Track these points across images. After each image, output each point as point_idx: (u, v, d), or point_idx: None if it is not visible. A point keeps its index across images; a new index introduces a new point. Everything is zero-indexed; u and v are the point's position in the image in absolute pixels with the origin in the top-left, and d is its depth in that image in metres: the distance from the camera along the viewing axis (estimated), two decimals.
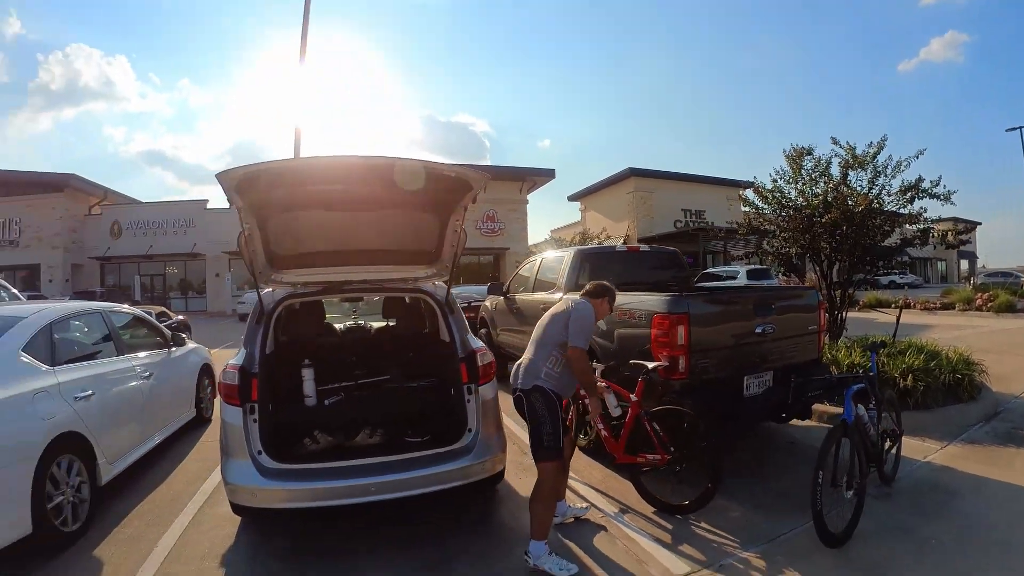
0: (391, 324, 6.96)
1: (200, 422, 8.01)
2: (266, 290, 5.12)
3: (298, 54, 14.39)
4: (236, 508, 4.39)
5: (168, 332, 7.46)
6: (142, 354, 6.51)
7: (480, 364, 4.81)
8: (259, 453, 4.28)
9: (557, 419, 4.13)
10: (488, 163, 77.50)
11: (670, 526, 4.67)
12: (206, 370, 8.46)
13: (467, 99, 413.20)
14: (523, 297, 9.06)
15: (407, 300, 6.35)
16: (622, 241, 10.06)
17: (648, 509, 4.95)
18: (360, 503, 4.28)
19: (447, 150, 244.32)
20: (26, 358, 4.64)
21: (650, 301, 5.57)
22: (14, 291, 9.90)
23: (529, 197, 44.57)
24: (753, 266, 26.63)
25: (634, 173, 44.86)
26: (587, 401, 5.00)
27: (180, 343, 7.58)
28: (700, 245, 37.49)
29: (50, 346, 4.99)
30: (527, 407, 4.17)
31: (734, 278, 25.64)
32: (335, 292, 5.43)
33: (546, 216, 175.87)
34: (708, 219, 43.24)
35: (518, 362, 4.42)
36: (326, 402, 5.26)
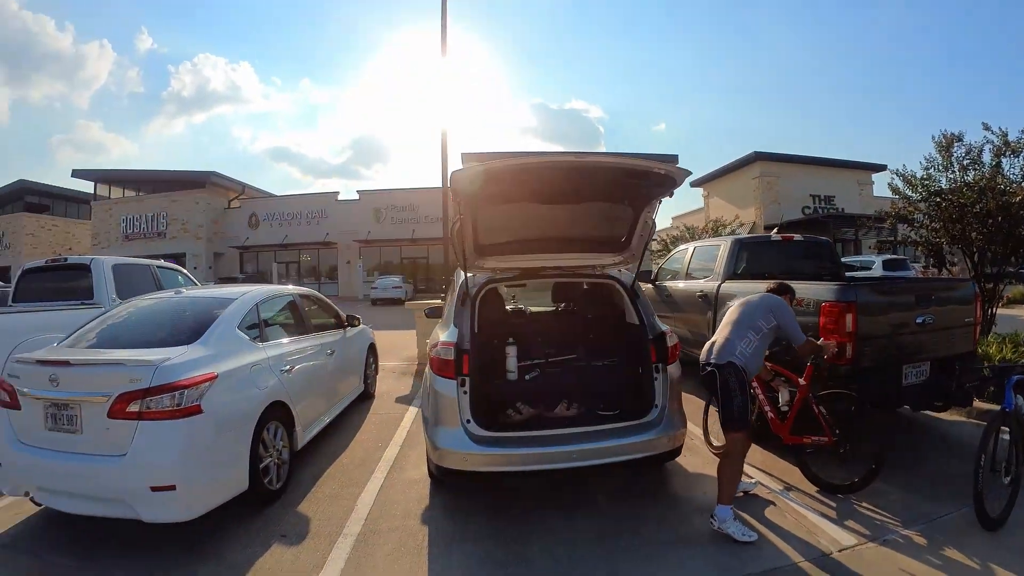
0: (560, 308, 7.25)
1: (366, 397, 8.59)
2: (468, 275, 5.37)
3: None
4: (442, 471, 4.73)
5: (343, 314, 8.02)
6: (325, 333, 7.06)
7: (668, 345, 5.06)
8: (468, 422, 4.61)
9: (747, 393, 4.42)
10: (603, 149, 76.95)
11: (833, 504, 4.81)
12: (371, 349, 9.11)
13: (580, 85, 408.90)
14: (675, 285, 9.17)
15: (584, 285, 6.62)
16: (775, 230, 10.14)
17: (810, 488, 5.09)
18: (557, 468, 4.61)
19: (561, 137, 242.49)
20: (242, 334, 5.18)
21: (819, 290, 5.69)
22: (187, 274, 10.67)
23: None
24: (889, 256, 25.70)
25: (760, 157, 42.74)
26: (754, 385, 5.20)
27: (353, 324, 8.13)
28: (831, 233, 35.91)
29: (258, 324, 5.55)
30: (720, 381, 4.46)
31: (868, 268, 24.69)
32: (529, 277, 5.78)
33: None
34: (837, 205, 41.39)
35: (710, 340, 4.75)
36: (526, 376, 5.60)
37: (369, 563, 4.08)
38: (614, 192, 5.03)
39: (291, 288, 7.00)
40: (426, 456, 5.18)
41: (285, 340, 5.95)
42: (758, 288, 5.58)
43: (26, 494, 4.46)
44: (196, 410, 4.16)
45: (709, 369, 4.57)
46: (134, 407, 4.03)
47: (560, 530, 4.46)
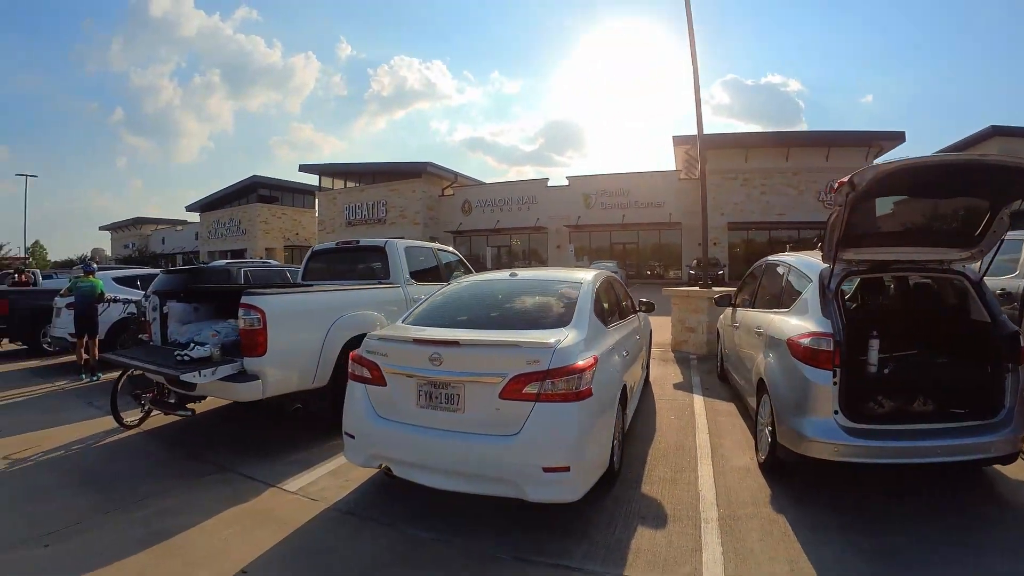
0: (860, 300, 7.03)
1: (644, 381, 8.57)
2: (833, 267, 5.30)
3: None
4: (800, 459, 4.75)
5: (634, 299, 8.05)
6: (631, 317, 7.14)
7: (1022, 345, 4.85)
8: (836, 412, 4.64)
9: None
10: (804, 127, 73.02)
11: None
12: (649, 335, 9.19)
13: (775, 58, 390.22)
14: None
15: (909, 280, 6.42)
16: None
17: None
18: (920, 463, 4.61)
19: (757, 115, 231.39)
20: (596, 318, 5.23)
21: None
22: (456, 252, 11.01)
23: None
24: None
25: (998, 132, 37.65)
26: None
27: (642, 309, 8.13)
28: None
29: (601, 308, 5.62)
30: None
31: None
32: (878, 271, 5.63)
33: None
34: None
35: None
36: (884, 370, 5.47)
37: (745, 547, 4.09)
38: (990, 189, 4.86)
39: (607, 272, 6.98)
40: (772, 443, 5.19)
41: (617, 323, 6.04)
42: None
43: (380, 466, 4.66)
44: (588, 393, 4.22)
45: None
46: (532, 388, 4.10)
47: (909, 524, 4.39)
